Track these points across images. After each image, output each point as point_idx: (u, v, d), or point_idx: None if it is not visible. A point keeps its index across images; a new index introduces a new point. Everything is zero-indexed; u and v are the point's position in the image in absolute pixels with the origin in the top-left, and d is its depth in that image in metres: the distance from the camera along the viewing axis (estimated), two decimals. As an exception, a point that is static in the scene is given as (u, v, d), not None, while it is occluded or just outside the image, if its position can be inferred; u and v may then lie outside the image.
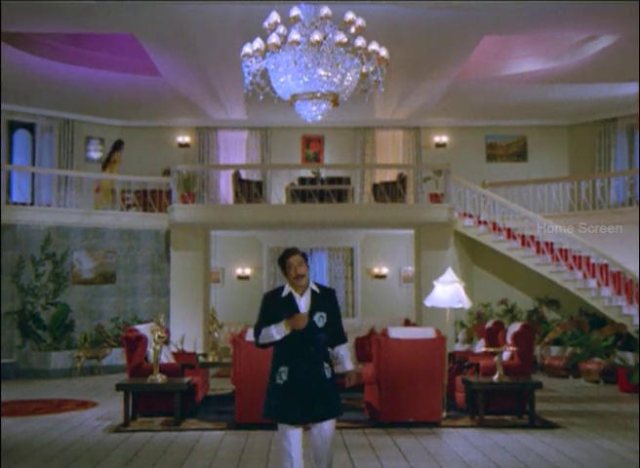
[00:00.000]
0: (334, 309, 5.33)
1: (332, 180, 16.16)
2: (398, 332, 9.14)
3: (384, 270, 17.47)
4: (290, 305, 5.20)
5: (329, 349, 5.36)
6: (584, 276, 13.73)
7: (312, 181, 16.03)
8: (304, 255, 5.29)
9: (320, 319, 5.19)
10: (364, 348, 12.29)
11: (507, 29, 12.40)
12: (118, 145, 16.90)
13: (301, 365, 5.13)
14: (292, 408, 5.11)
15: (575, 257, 13.99)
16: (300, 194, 15.72)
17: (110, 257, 15.12)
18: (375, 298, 17.25)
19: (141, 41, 12.54)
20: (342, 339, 5.41)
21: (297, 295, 5.24)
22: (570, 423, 9.00)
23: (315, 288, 5.30)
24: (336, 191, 15.73)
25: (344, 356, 5.40)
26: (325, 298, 5.28)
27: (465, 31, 12.05)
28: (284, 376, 5.13)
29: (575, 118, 17.68)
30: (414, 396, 8.76)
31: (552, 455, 7.36)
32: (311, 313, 5.17)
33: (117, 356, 14.00)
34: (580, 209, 16.00)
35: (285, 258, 5.26)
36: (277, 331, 5.11)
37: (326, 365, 5.20)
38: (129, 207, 15.74)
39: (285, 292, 5.27)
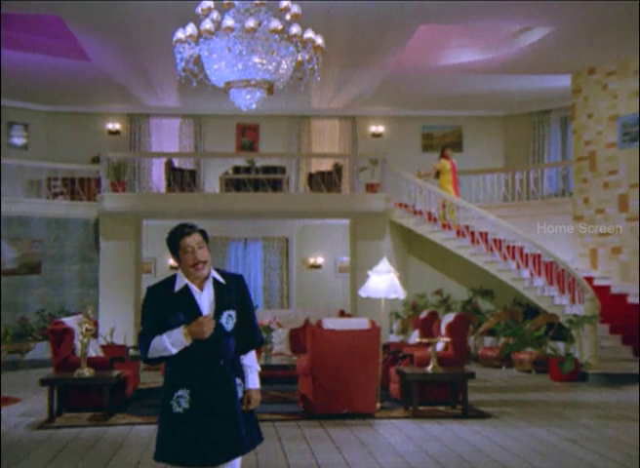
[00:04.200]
0: (244, 303, 3.99)
1: (267, 170, 16.01)
2: (333, 323, 9.05)
3: (320, 260, 17.39)
4: (186, 304, 3.86)
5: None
6: (518, 266, 13.86)
7: (247, 170, 15.83)
8: (204, 234, 3.96)
9: (228, 319, 3.90)
10: (298, 339, 12.17)
11: (443, 18, 12.40)
12: (444, 150, 15.75)
13: (208, 386, 3.85)
14: (197, 447, 3.82)
15: (509, 248, 14.12)
16: (235, 183, 15.53)
17: (36, 247, 14.64)
18: (310, 289, 17.15)
19: (69, 24, 12.12)
20: (255, 341, 4.07)
21: (195, 289, 3.89)
22: (502, 412, 9.07)
23: (218, 277, 3.96)
24: (271, 180, 15.60)
25: (249, 368, 4.06)
26: (232, 290, 3.95)
27: (402, 20, 12.02)
28: (184, 403, 3.83)
29: (509, 109, 17.90)
30: (348, 387, 8.69)
31: (485, 445, 7.39)
32: (217, 313, 3.87)
33: (42, 350, 13.53)
34: (515, 199, 16.21)
35: (178, 239, 3.88)
36: (173, 343, 3.77)
37: (238, 381, 3.96)
38: (56, 195, 15.28)
39: (179, 286, 3.89)
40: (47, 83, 15.36)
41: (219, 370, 3.88)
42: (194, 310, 3.85)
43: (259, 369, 4.13)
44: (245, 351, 4.05)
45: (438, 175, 15.49)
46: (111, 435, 7.92)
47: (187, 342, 3.78)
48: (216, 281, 3.94)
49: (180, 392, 3.85)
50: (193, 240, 3.87)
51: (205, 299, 3.89)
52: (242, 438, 3.91)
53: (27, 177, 15.38)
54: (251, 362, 4.08)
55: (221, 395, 3.88)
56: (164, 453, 3.89)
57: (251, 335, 4.04)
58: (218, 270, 4.01)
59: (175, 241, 3.90)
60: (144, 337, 3.87)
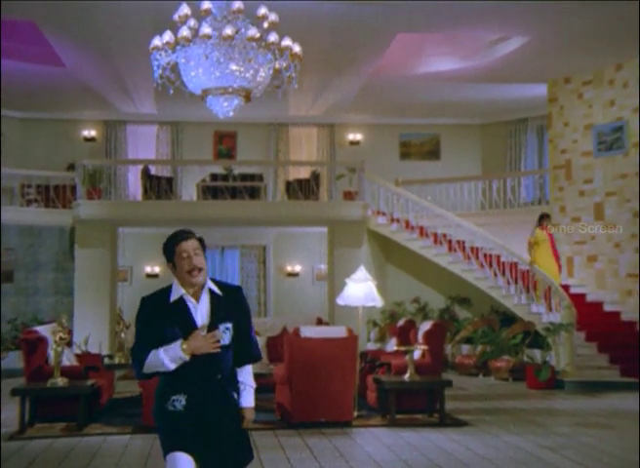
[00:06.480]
0: (242, 316, 3.84)
1: (244, 177, 15.95)
2: (310, 332, 9.03)
3: (297, 268, 17.34)
4: (182, 316, 3.69)
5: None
6: (495, 274, 13.90)
7: (224, 178, 15.76)
8: (202, 241, 3.80)
9: (226, 332, 3.73)
10: (276, 348, 12.11)
11: (421, 27, 12.44)
12: (541, 219, 13.52)
13: (206, 398, 3.71)
14: (191, 438, 3.70)
15: (486, 256, 14.15)
16: (212, 191, 15.45)
17: (9, 255, 14.44)
18: (287, 297, 17.08)
19: (43, 29, 11.99)
20: (251, 357, 3.91)
21: (190, 300, 3.72)
22: (479, 421, 9.06)
23: (215, 287, 3.80)
24: (248, 188, 15.55)
25: (242, 385, 3.89)
26: (229, 302, 3.80)
27: (379, 28, 12.03)
28: (179, 406, 3.70)
29: (487, 117, 17.97)
30: (325, 396, 8.65)
31: (462, 453, 7.37)
32: (213, 326, 3.70)
33: (15, 359, 13.21)
34: (492, 207, 16.28)
35: (174, 244, 3.72)
36: (171, 358, 3.62)
37: (236, 395, 3.83)
38: (30, 202, 15.10)
39: (174, 296, 3.72)
40: (21, 89, 15.12)
41: (216, 384, 3.73)
42: (190, 322, 3.69)
43: (254, 386, 3.96)
44: (240, 365, 3.88)
45: (533, 247, 13.41)
46: (85, 445, 7.80)
47: (186, 358, 3.62)
48: (212, 292, 3.78)
49: (174, 396, 3.70)
50: (190, 245, 3.71)
51: (201, 311, 3.73)
52: (232, 454, 3.77)
53: (0, 184, 15.16)
54: (246, 378, 3.91)
55: (218, 408, 3.73)
56: (173, 442, 3.70)
57: (246, 350, 3.86)
58: (214, 280, 3.85)
59: (171, 246, 3.73)
60: (139, 352, 3.69)
